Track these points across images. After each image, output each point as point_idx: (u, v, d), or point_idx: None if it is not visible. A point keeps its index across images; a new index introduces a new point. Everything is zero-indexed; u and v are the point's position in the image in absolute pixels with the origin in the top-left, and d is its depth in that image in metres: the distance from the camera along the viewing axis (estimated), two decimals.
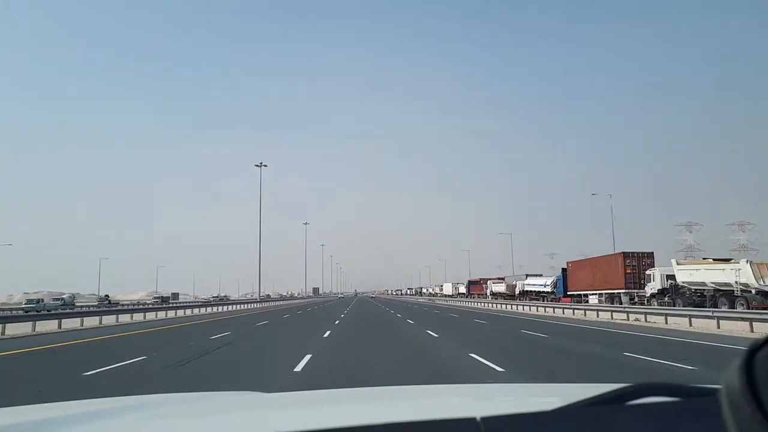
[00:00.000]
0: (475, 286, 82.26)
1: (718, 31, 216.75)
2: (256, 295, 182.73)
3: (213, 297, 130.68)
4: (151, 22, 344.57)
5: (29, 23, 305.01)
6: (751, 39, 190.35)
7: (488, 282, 74.97)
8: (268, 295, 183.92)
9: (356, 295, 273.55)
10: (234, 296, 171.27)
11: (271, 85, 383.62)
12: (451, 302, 74.69)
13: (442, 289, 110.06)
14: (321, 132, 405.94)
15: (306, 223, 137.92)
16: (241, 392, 2.20)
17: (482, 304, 60.97)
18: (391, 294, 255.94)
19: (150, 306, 47.77)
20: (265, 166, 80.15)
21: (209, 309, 52.21)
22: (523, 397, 2.02)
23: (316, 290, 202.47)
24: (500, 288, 68.09)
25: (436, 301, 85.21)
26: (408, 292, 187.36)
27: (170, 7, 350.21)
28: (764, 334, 0.62)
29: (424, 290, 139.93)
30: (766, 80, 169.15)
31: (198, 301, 62.80)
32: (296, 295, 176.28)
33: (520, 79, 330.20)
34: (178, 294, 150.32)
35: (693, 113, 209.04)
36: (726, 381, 0.63)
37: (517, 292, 61.04)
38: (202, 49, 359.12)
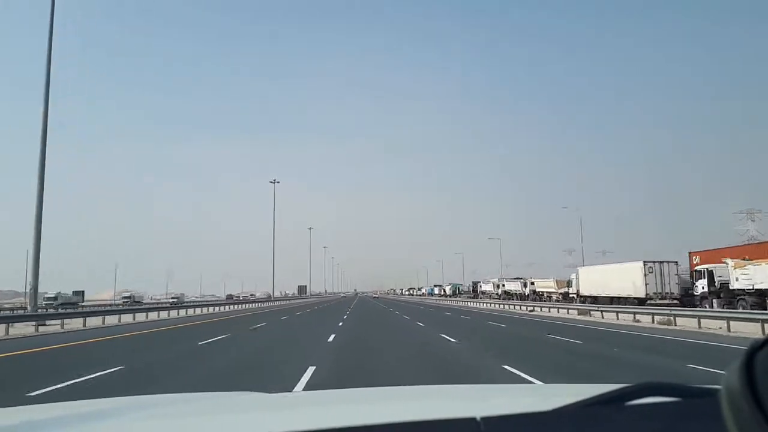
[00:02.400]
0: None
1: (718, 31, 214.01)
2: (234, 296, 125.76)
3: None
4: (149, 22, 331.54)
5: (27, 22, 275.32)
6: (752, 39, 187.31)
7: None
8: (230, 295, 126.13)
9: (356, 294, 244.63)
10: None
11: (269, 85, 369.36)
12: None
13: (565, 286, 50.01)
14: (320, 131, 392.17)
15: (275, 182, 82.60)
16: (242, 392, 2.19)
17: None
18: (403, 294, 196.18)
19: None
20: None
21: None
22: (523, 397, 1.99)
23: (302, 289, 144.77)
24: None
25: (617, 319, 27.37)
26: (438, 292, 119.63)
27: (169, 6, 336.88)
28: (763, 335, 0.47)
29: (487, 287, 79.26)
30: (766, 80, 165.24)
31: None
32: (281, 295, 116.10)
33: (519, 79, 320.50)
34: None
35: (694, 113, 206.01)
36: (726, 381, 0.62)
37: None
38: (201, 49, 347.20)
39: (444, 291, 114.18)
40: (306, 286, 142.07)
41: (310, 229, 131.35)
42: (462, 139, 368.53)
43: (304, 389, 8.50)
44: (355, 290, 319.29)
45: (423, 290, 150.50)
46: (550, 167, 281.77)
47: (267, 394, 2.04)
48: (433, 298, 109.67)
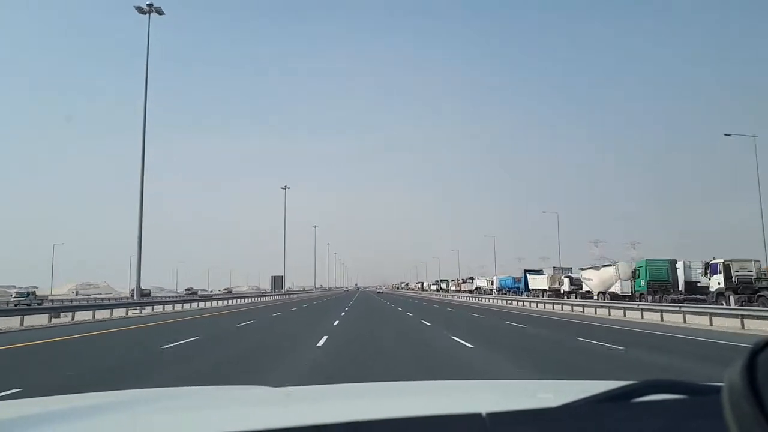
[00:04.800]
0: None
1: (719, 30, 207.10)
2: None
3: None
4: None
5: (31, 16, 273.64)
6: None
7: None
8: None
9: (358, 289, 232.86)
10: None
11: (270, 82, 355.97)
12: None
13: None
14: (321, 128, 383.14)
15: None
16: (248, 386, 2.20)
17: None
18: (424, 290, 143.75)
19: None
20: None
21: None
22: (529, 392, 1.96)
23: (277, 281, 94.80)
24: None
25: None
26: (550, 284, 55.84)
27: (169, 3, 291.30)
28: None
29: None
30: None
31: None
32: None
33: (520, 77, 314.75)
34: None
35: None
36: (728, 381, 0.62)
37: None
38: (198, 47, 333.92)
39: (587, 288, 47.70)
40: (282, 278, 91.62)
41: (283, 188, 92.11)
42: (463, 133, 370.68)
43: None
44: (356, 285, 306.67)
45: (481, 282, 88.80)
46: (554, 163, 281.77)
47: (274, 388, 2.02)
48: (539, 300, 45.38)
